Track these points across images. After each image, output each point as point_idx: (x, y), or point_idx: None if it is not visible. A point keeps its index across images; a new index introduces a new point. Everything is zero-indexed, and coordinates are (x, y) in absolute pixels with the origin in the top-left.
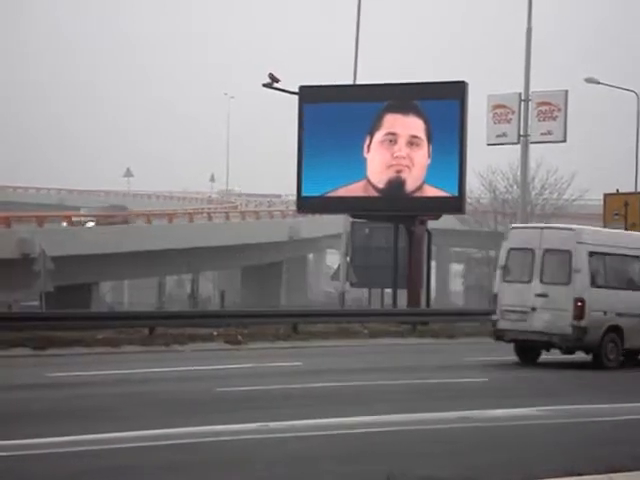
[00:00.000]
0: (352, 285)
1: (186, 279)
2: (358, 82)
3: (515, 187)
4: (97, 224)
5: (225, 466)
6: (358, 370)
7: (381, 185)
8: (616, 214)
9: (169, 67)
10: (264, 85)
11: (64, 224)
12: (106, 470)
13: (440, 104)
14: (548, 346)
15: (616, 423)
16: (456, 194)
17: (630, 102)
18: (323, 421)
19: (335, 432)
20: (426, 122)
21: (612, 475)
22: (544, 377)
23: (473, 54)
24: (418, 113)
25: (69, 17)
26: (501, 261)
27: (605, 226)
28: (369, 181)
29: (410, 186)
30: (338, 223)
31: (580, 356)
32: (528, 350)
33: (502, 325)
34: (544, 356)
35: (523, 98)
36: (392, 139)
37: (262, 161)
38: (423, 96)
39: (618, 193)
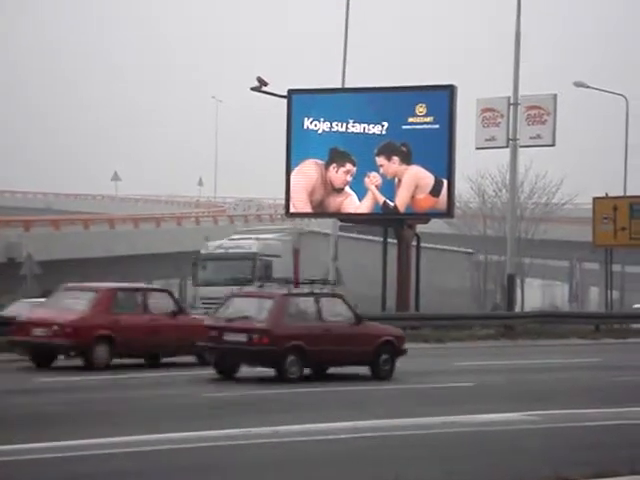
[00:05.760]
0: None
1: (173, 283)
2: (346, 86)
3: (504, 191)
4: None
5: (218, 470)
6: (345, 375)
7: None
8: (605, 218)
9: (156, 70)
10: (252, 89)
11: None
12: (103, 475)
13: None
14: None
15: (603, 428)
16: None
17: (619, 106)
18: (308, 426)
19: (322, 437)
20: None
21: None
22: (531, 381)
23: (462, 58)
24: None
25: (53, 19)
26: None
27: (595, 230)
28: None
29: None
30: (327, 227)
31: None
32: None
33: None
34: None
35: (512, 102)
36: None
37: (250, 165)
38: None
39: (607, 197)
